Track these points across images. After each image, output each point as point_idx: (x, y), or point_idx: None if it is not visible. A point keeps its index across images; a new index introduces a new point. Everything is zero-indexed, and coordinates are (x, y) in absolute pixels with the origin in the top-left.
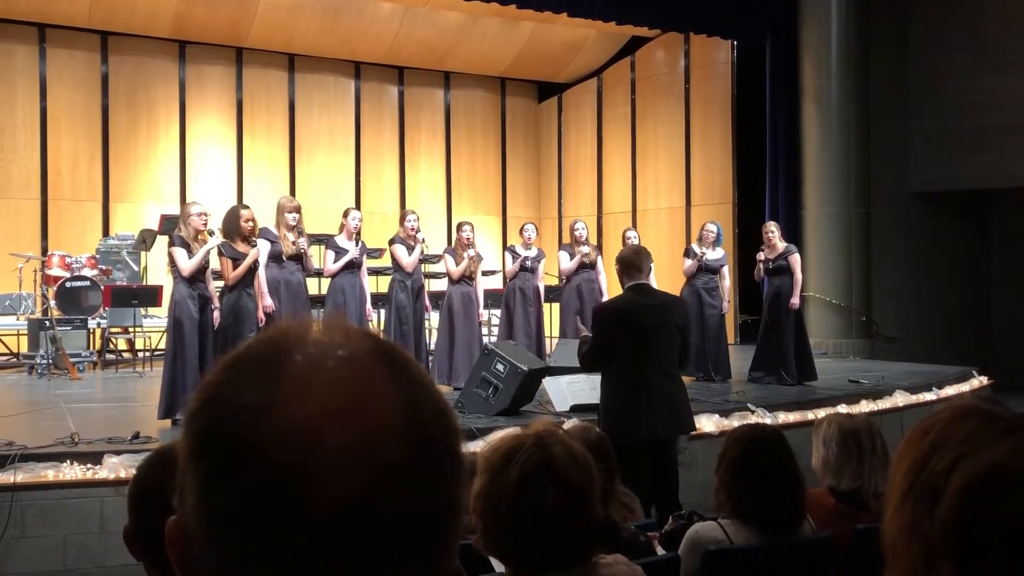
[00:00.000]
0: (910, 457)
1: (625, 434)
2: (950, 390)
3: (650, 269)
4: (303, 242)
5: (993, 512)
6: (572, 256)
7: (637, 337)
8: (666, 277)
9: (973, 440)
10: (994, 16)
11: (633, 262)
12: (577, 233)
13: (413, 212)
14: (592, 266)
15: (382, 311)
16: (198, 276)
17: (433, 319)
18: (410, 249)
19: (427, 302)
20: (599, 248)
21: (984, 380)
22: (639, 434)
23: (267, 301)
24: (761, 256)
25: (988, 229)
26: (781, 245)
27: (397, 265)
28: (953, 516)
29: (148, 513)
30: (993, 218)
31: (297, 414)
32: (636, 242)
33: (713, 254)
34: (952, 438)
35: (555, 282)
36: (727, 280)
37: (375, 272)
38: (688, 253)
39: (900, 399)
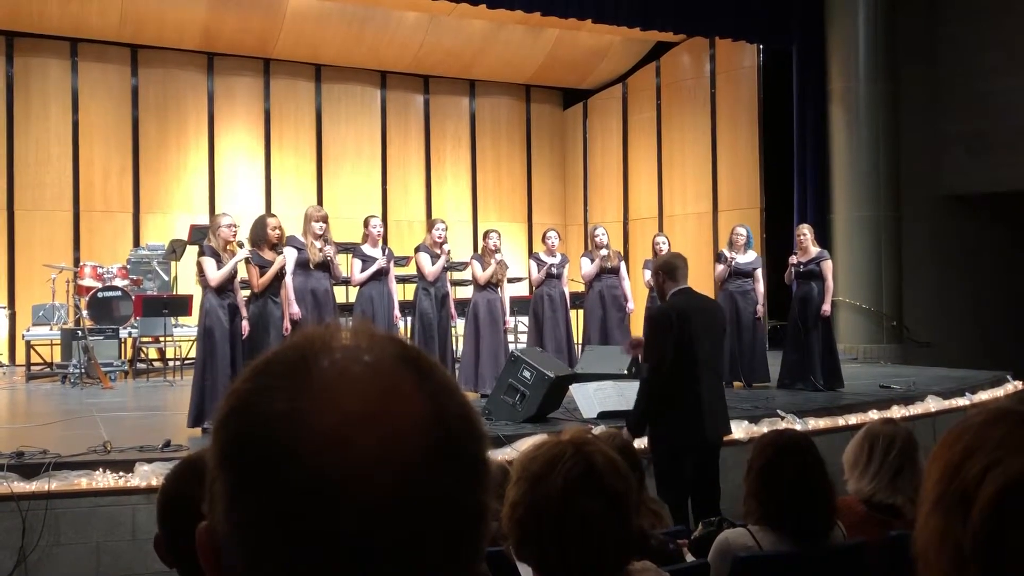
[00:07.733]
0: (942, 463)
1: (689, 436)
2: (983, 395)
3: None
4: (331, 250)
5: None
6: (592, 261)
7: (692, 339)
8: (696, 283)
9: (1006, 446)
10: None
11: (675, 267)
12: (597, 239)
13: (442, 221)
14: (615, 272)
15: (409, 319)
16: (226, 286)
17: (459, 326)
18: (434, 258)
19: (453, 310)
20: (624, 253)
21: (1019, 384)
22: (704, 435)
23: (294, 309)
24: (794, 259)
25: (1023, 231)
26: (814, 250)
27: (420, 273)
28: (984, 525)
29: (178, 521)
30: None
31: (325, 420)
32: (666, 247)
33: (744, 257)
34: (985, 444)
35: (580, 288)
36: (761, 283)
37: (401, 280)
38: (719, 258)
39: (932, 404)
